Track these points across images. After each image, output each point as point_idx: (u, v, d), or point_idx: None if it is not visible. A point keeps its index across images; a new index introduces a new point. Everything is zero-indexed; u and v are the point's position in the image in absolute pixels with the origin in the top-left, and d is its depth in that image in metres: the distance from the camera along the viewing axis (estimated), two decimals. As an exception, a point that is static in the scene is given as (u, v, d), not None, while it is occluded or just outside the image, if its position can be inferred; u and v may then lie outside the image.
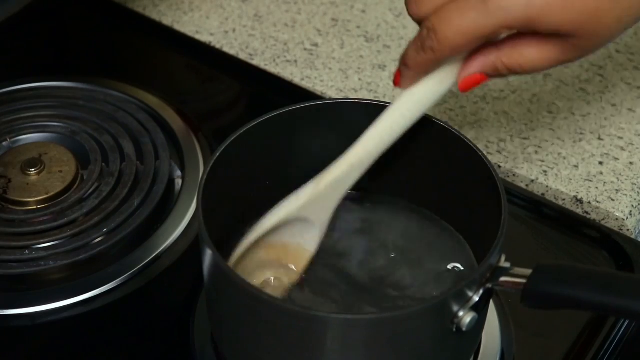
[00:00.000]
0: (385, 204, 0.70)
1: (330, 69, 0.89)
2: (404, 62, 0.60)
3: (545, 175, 0.79)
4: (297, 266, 0.64)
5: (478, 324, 0.58)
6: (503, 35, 0.60)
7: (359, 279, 0.65)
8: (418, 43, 0.59)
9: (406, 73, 0.61)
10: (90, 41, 0.96)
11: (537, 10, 0.57)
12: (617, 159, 0.80)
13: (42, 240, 0.72)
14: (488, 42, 0.60)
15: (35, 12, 0.96)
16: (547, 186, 0.78)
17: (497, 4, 0.56)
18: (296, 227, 0.63)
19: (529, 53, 0.59)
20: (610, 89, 0.86)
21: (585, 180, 0.78)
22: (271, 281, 0.64)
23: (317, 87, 0.87)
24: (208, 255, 0.58)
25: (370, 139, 0.62)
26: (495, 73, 0.61)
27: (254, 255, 0.64)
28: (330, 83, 0.87)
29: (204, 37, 0.92)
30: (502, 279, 0.57)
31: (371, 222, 0.69)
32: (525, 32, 0.59)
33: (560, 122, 0.83)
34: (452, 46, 0.58)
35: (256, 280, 0.64)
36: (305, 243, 0.64)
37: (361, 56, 0.90)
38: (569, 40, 0.58)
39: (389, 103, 0.66)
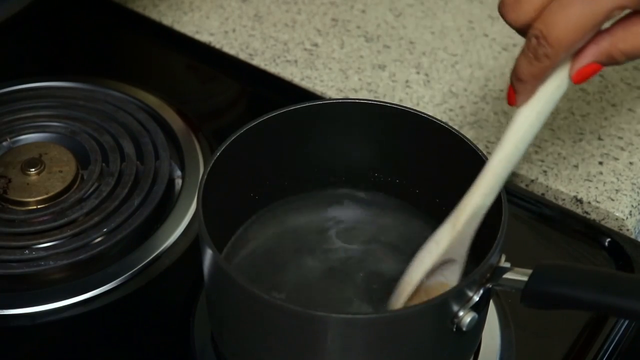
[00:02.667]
0: (383, 204, 0.70)
1: (330, 69, 0.89)
2: (517, 77, 0.56)
3: (545, 175, 0.79)
4: None
5: (478, 324, 0.58)
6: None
7: (356, 279, 0.65)
8: (529, 54, 0.55)
9: (522, 88, 0.57)
10: (90, 41, 0.96)
11: None
12: (617, 159, 0.80)
13: (42, 240, 0.72)
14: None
15: (35, 12, 0.96)
16: (547, 186, 0.78)
17: None
18: (436, 268, 0.60)
19: None
20: (610, 89, 0.86)
21: (585, 180, 0.78)
22: None
23: (317, 87, 0.87)
24: (208, 255, 0.58)
25: (498, 164, 0.58)
26: (611, 61, 0.56)
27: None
28: (330, 83, 0.87)
29: (204, 37, 0.92)
30: (502, 279, 0.57)
31: (369, 222, 0.69)
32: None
33: (560, 122, 0.83)
34: (567, 46, 0.54)
35: None
36: (447, 279, 0.61)
37: (361, 56, 0.90)
38: None
39: (389, 103, 0.66)
